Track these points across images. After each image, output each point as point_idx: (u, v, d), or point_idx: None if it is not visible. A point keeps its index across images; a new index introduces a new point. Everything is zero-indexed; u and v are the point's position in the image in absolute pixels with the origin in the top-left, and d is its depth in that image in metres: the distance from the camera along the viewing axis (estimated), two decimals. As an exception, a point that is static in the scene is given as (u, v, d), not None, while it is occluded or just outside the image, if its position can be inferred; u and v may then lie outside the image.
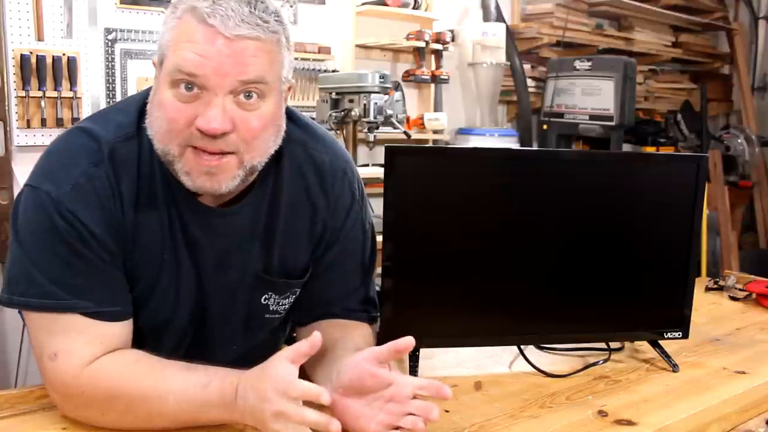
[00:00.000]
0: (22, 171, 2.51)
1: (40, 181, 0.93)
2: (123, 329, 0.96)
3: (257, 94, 0.91)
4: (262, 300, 1.09)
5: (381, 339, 1.12)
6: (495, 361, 1.22)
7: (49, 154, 0.97)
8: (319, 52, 3.10)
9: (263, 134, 0.94)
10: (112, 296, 0.95)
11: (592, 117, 3.68)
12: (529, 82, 3.90)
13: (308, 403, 0.85)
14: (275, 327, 1.17)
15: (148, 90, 0.99)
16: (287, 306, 1.12)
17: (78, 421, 0.93)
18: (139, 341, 0.99)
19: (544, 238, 1.15)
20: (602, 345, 1.26)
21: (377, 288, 1.17)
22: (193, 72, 0.87)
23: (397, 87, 3.00)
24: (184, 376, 0.92)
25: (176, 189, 0.97)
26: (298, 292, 1.12)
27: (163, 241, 0.99)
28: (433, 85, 3.53)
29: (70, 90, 2.51)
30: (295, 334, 1.22)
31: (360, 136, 2.89)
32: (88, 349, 0.92)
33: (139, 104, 0.99)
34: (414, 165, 1.08)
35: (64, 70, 2.50)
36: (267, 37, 0.89)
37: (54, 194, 0.90)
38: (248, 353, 1.10)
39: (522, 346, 1.20)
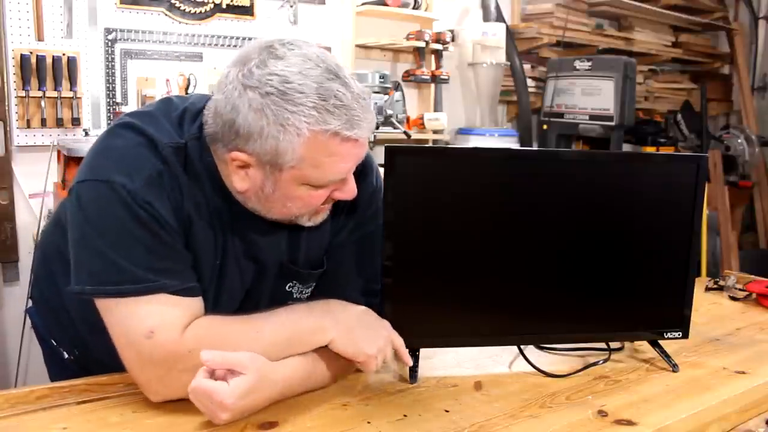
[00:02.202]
0: (22, 171, 2.51)
1: (110, 175, 0.95)
2: (201, 303, 1.00)
3: None
4: (287, 287, 1.15)
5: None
6: (495, 361, 1.22)
7: (109, 150, 1.00)
8: (319, 52, 3.10)
9: None
10: (191, 274, 1.00)
11: (592, 117, 3.68)
12: (529, 82, 3.90)
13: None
14: None
15: (187, 104, 1.05)
16: (308, 294, 1.18)
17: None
18: None
19: (544, 238, 1.15)
20: (602, 345, 1.26)
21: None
22: (341, 178, 1.00)
23: (397, 87, 3.01)
24: (274, 312, 1.01)
25: (227, 198, 1.03)
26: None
27: (215, 245, 1.05)
28: (433, 85, 3.53)
29: (70, 90, 2.51)
30: None
31: (360, 136, 2.89)
32: (183, 318, 0.95)
33: (180, 118, 1.04)
34: (414, 165, 1.08)
35: (64, 70, 2.50)
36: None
37: (129, 186, 0.94)
38: None
39: (522, 346, 1.20)
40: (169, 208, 0.97)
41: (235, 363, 0.90)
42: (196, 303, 0.99)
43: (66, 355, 1.20)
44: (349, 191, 1.03)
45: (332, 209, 1.14)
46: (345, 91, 0.93)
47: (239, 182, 0.99)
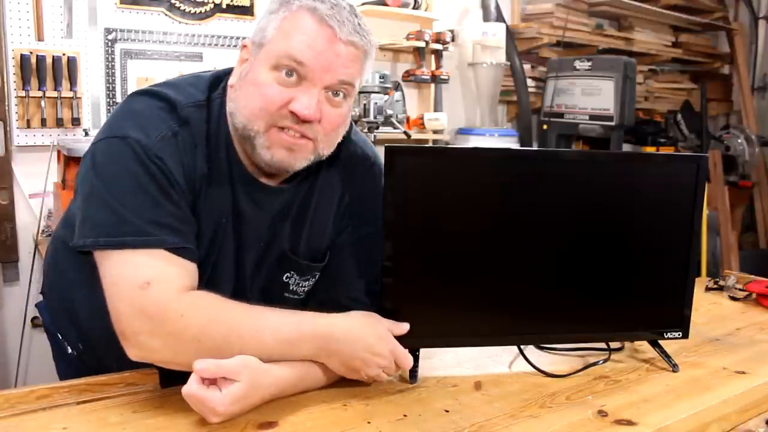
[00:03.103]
0: (22, 171, 2.51)
1: (126, 132, 0.98)
2: (196, 270, 1.00)
3: (344, 94, 1.02)
4: (284, 278, 1.15)
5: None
6: (495, 361, 1.22)
7: (129, 113, 1.02)
8: (319, 52, 3.09)
9: (338, 129, 1.06)
10: (192, 238, 1.00)
11: (592, 117, 3.68)
12: (529, 82, 3.90)
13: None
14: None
15: (220, 71, 1.09)
16: (306, 288, 1.18)
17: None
18: None
19: (544, 238, 1.15)
20: (602, 345, 1.26)
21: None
22: (302, 61, 0.97)
23: (397, 87, 3.01)
24: (278, 314, 0.99)
25: (234, 164, 1.06)
26: (317, 276, 1.18)
27: (218, 213, 1.05)
28: (433, 85, 3.53)
29: (70, 90, 2.51)
30: None
31: (360, 136, 2.89)
32: (182, 278, 0.95)
33: (210, 81, 1.07)
34: (414, 165, 1.08)
35: (64, 70, 2.50)
36: (366, 48, 1.03)
37: (144, 141, 0.97)
38: None
39: (522, 346, 1.21)
40: (180, 169, 0.99)
41: (229, 371, 0.90)
42: (193, 267, 0.99)
43: (70, 350, 1.21)
44: (305, 105, 0.98)
45: (337, 206, 1.14)
46: (347, 5, 1.02)
47: (234, 76, 1.04)
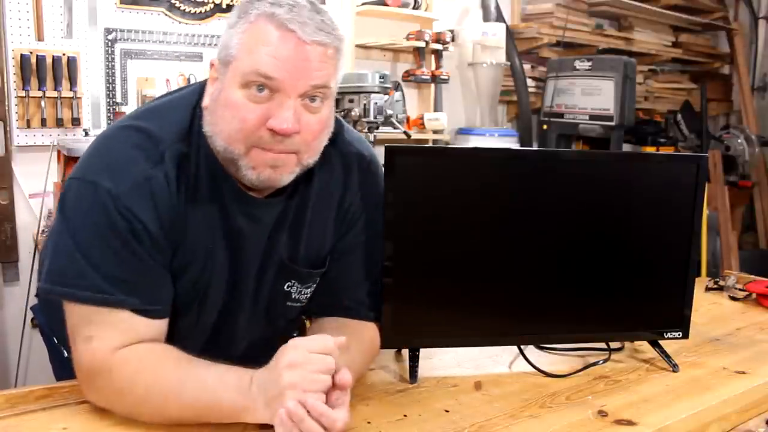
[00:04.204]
0: (22, 171, 2.51)
1: (98, 177, 0.94)
2: (160, 327, 0.98)
3: (321, 98, 0.97)
4: (285, 287, 1.13)
5: (381, 339, 1.12)
6: (495, 361, 1.22)
7: (106, 151, 0.99)
8: (319, 52, 3.09)
9: (321, 136, 1.01)
10: (157, 295, 0.97)
11: (592, 117, 3.68)
12: (529, 82, 3.90)
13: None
14: (293, 318, 1.20)
15: (199, 87, 1.04)
16: (308, 295, 1.16)
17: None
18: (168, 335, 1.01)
19: (544, 238, 1.15)
20: (602, 345, 1.26)
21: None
22: (270, 75, 0.92)
23: (397, 87, 3.00)
24: (205, 367, 0.93)
25: (222, 182, 1.02)
26: (318, 281, 1.15)
27: (207, 237, 1.03)
28: (433, 85, 3.53)
29: (70, 90, 2.51)
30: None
31: (360, 136, 2.89)
32: (124, 337, 0.94)
33: (196, 99, 1.03)
34: (414, 165, 1.08)
35: (64, 70, 2.50)
36: (335, 45, 0.96)
37: (113, 191, 0.93)
38: (266, 343, 1.12)
39: (522, 346, 1.21)
40: (154, 215, 0.95)
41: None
42: (149, 326, 0.96)
43: (66, 354, 1.21)
44: (282, 119, 0.93)
45: (337, 209, 1.13)
46: (306, 3, 0.95)
47: (206, 97, 0.99)
